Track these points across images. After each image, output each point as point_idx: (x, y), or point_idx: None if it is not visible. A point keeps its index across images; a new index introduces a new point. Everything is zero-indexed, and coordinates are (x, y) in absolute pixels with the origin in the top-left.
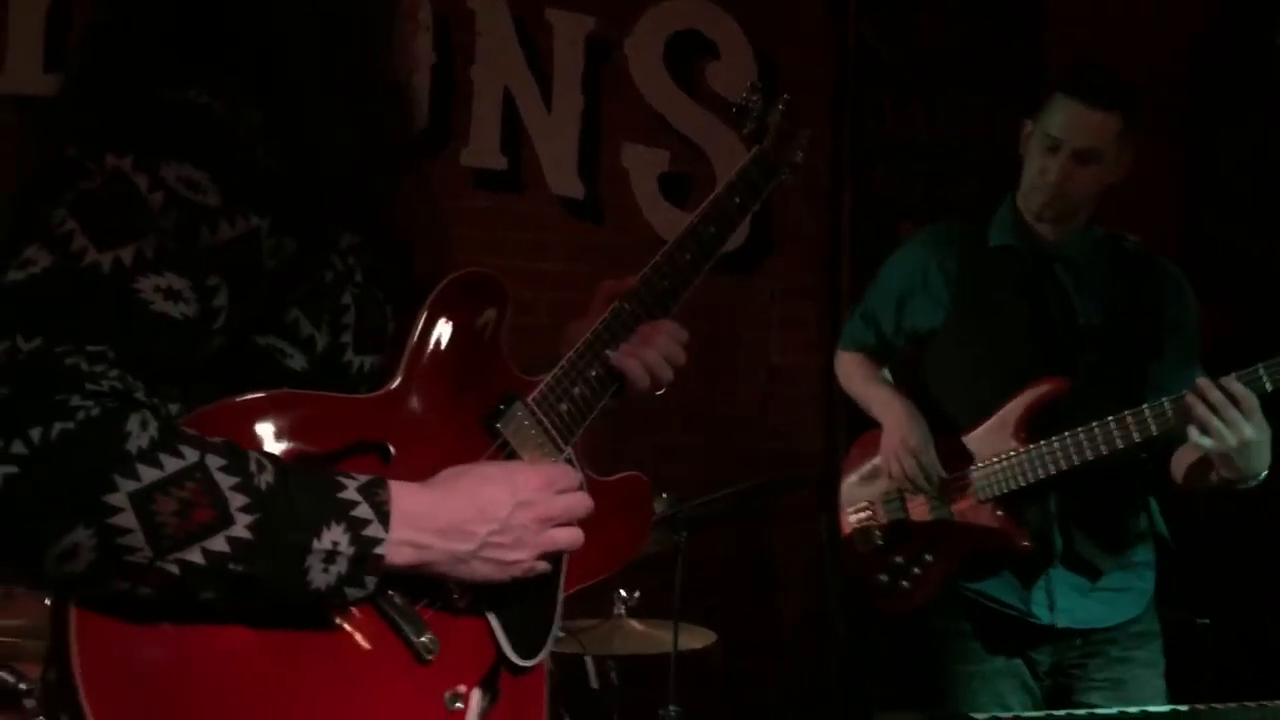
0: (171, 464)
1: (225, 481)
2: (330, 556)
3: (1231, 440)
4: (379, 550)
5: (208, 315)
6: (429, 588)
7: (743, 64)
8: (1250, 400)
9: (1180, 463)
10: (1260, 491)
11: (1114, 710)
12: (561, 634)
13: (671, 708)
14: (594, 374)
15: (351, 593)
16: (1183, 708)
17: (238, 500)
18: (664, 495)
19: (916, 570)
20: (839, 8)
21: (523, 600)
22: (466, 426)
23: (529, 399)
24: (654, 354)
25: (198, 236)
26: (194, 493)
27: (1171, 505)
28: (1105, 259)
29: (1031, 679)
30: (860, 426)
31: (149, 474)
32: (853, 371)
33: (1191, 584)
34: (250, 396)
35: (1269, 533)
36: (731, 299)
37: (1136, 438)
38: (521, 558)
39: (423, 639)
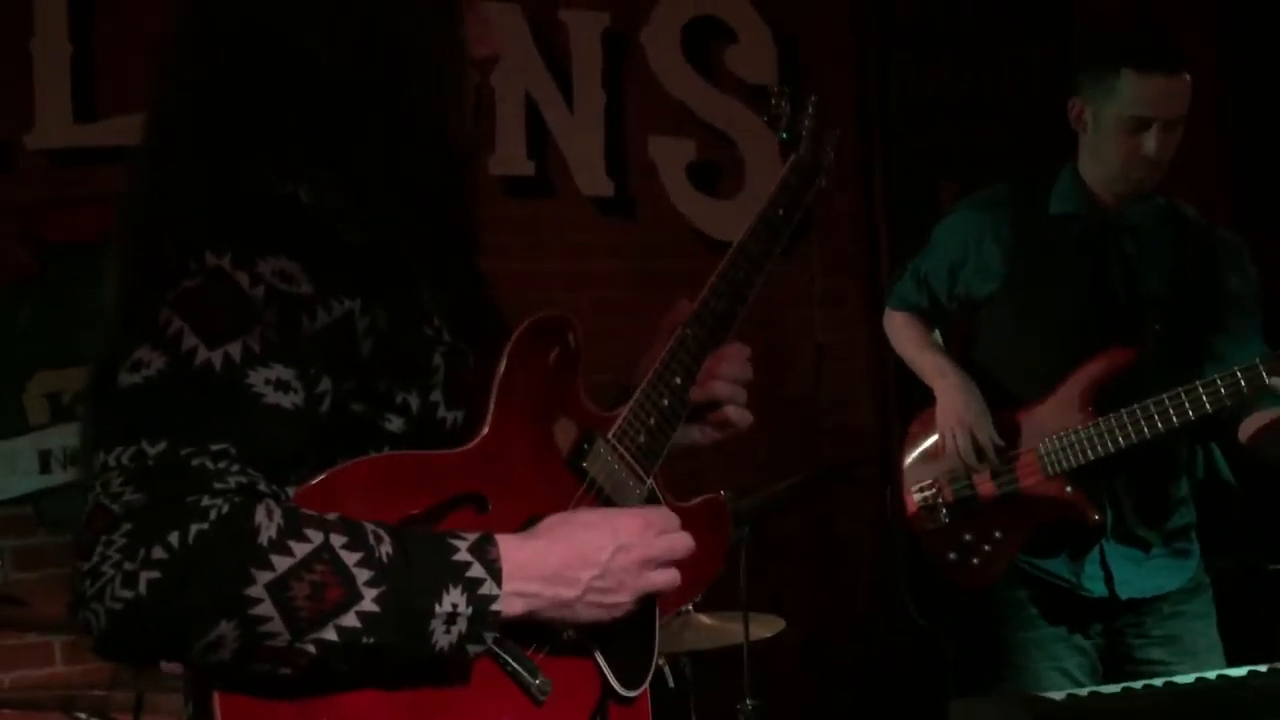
0: (300, 549)
1: (350, 558)
2: (451, 618)
3: None
4: (495, 607)
5: (313, 401)
6: (539, 633)
7: (761, 45)
8: None
9: (1250, 427)
10: None
11: (1191, 678)
12: (662, 662)
13: (749, 702)
14: (666, 404)
15: (472, 649)
16: (1261, 668)
17: (363, 575)
18: (722, 491)
19: (987, 547)
20: None
21: (624, 635)
22: (554, 468)
23: (609, 435)
24: (724, 386)
25: (299, 326)
26: (323, 574)
27: (1238, 450)
28: (1168, 228)
29: (1085, 640)
30: (913, 398)
31: (281, 562)
32: (903, 333)
33: (1262, 530)
34: (348, 465)
35: None
36: (770, 282)
37: (1209, 408)
38: (623, 600)
39: (537, 681)
